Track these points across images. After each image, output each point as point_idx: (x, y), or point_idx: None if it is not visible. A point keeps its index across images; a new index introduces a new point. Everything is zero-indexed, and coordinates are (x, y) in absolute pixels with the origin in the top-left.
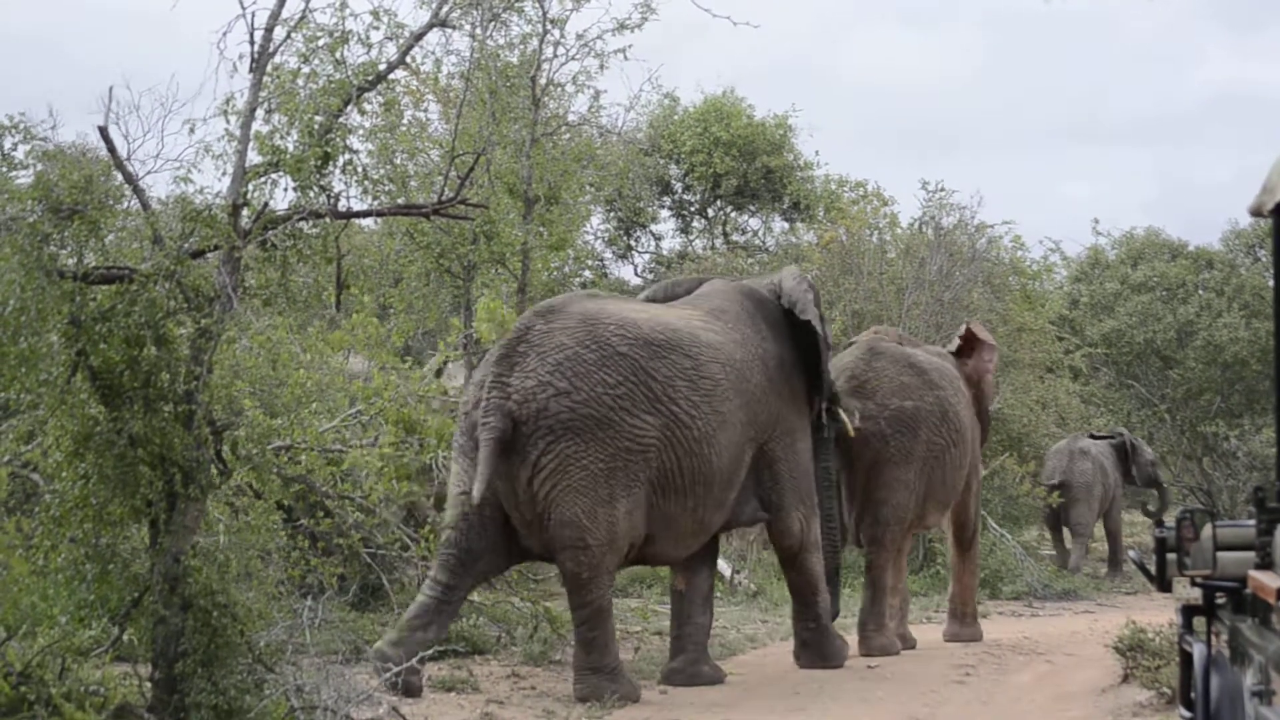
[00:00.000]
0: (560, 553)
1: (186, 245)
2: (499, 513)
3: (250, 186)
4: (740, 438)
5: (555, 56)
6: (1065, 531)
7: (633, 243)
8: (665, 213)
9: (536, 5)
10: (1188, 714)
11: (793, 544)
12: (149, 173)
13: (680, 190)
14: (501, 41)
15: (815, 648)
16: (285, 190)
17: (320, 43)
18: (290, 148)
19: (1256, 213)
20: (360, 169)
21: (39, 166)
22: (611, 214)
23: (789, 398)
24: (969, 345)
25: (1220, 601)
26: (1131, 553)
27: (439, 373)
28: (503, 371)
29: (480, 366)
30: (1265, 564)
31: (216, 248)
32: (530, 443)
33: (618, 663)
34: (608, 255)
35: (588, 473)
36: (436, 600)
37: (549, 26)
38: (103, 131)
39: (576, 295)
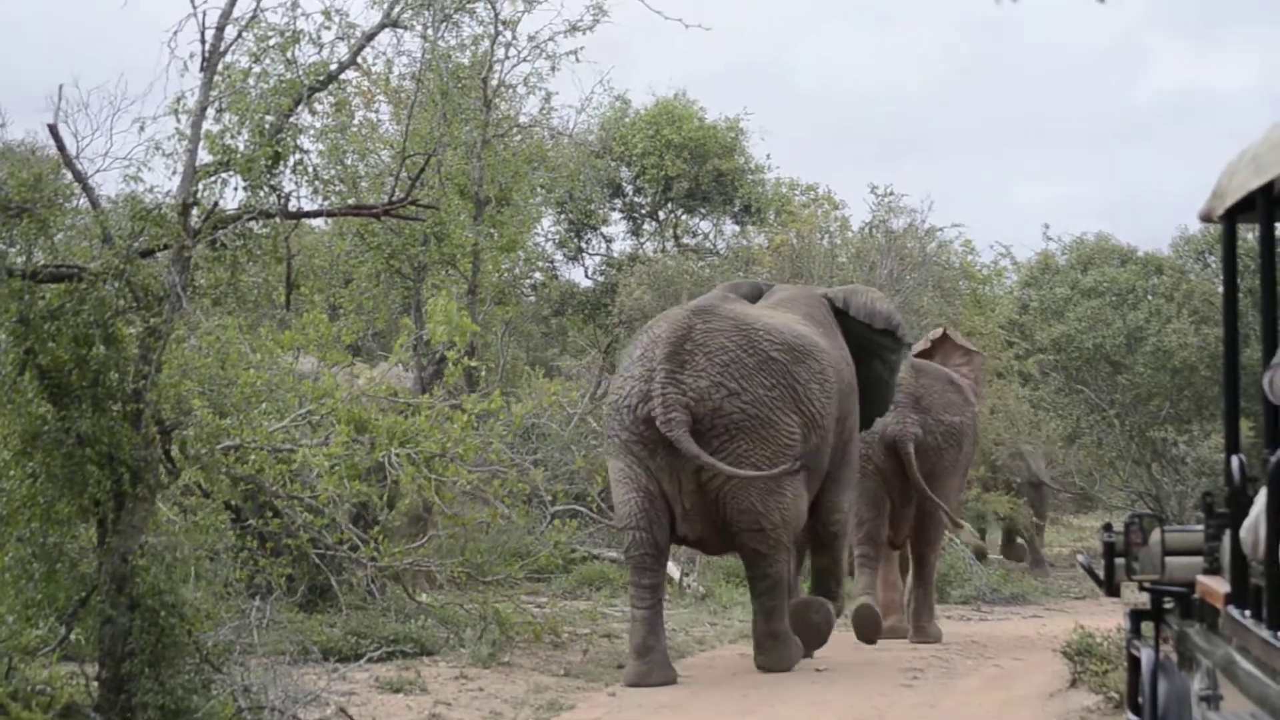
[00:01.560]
0: (740, 534)
1: (136, 244)
2: (666, 503)
3: (200, 186)
4: (837, 432)
5: (507, 58)
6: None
7: (583, 245)
8: (616, 215)
9: (488, 6)
10: (1135, 719)
11: (836, 529)
12: (98, 171)
13: (631, 193)
14: (453, 42)
15: (787, 638)
16: (235, 190)
17: (271, 42)
18: (241, 147)
19: (1206, 218)
20: (311, 169)
21: None
22: (562, 216)
23: (854, 397)
24: (936, 349)
25: (1168, 606)
26: (1080, 557)
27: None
28: (674, 369)
29: (631, 364)
30: (1213, 569)
31: (166, 247)
32: (703, 441)
33: (789, 629)
34: (558, 257)
35: (754, 469)
36: (651, 608)
37: (501, 28)
38: (52, 129)
39: (717, 296)
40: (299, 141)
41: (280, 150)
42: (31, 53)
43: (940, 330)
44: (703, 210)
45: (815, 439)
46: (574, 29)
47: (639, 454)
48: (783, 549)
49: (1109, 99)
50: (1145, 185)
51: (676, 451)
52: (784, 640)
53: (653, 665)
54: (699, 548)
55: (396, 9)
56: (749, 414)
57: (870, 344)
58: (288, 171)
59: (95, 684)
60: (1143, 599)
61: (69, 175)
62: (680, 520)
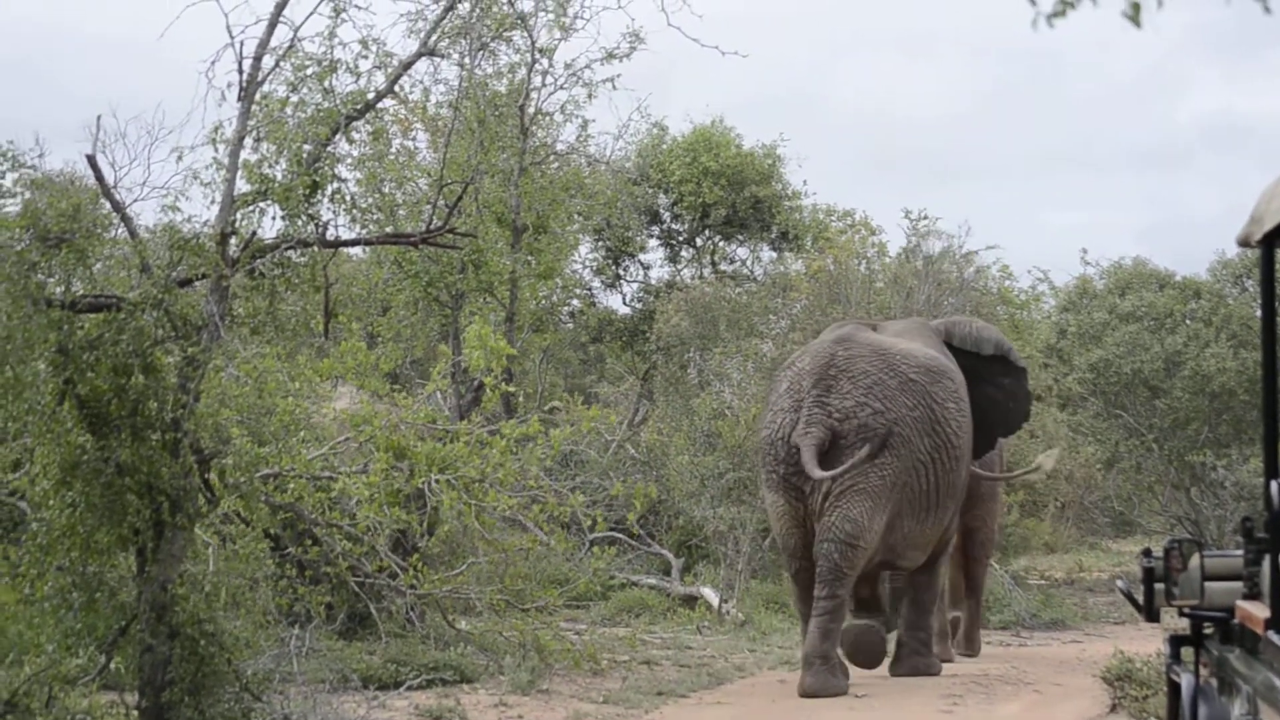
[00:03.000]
0: (829, 543)
1: (174, 274)
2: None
3: (238, 215)
4: (969, 453)
5: (544, 85)
6: None
7: (621, 272)
8: (654, 242)
9: (525, 34)
10: None
11: (942, 551)
12: (136, 201)
13: (669, 219)
14: (490, 70)
15: (921, 657)
16: (273, 219)
17: (309, 71)
18: (278, 176)
19: (1244, 243)
20: (348, 197)
21: (27, 195)
22: (600, 243)
23: (970, 425)
24: None
25: (1208, 632)
26: (1119, 582)
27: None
28: (821, 394)
29: (780, 397)
30: (1253, 594)
31: (204, 276)
32: (846, 453)
33: (838, 656)
34: (596, 284)
35: (882, 481)
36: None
37: (537, 56)
38: (90, 160)
39: (850, 328)
40: (336, 170)
41: (318, 179)
42: (69, 83)
43: None
44: (740, 237)
45: (947, 461)
46: (610, 56)
47: (795, 483)
48: (856, 572)
49: (1146, 123)
50: (1183, 209)
51: (821, 462)
52: (833, 665)
53: (832, 668)
54: None
55: (433, 38)
56: (891, 431)
57: (977, 371)
58: (325, 200)
59: (135, 713)
60: (1182, 624)
61: (107, 205)
62: (816, 538)
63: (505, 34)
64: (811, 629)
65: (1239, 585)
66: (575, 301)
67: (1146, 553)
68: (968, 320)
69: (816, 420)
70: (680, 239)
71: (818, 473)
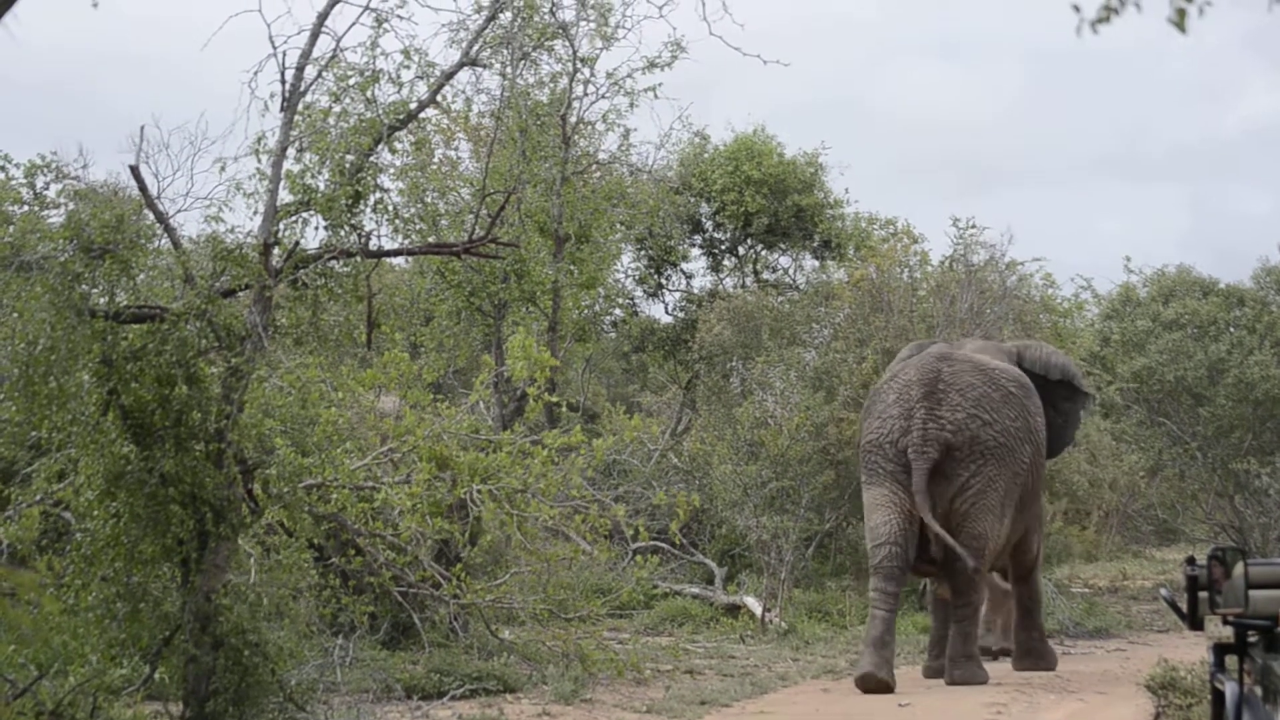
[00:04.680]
0: (963, 559)
1: (217, 284)
2: (919, 525)
3: (281, 225)
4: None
5: (585, 95)
6: None
7: (663, 281)
8: (696, 251)
9: (566, 44)
10: None
11: (1031, 561)
12: (180, 211)
13: (711, 228)
14: (532, 80)
15: (1036, 655)
16: (316, 229)
17: (351, 82)
18: (321, 186)
19: None
20: (391, 207)
21: (70, 205)
22: (642, 252)
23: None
24: None
25: (1252, 640)
26: (1163, 591)
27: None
28: (932, 406)
29: (888, 406)
30: None
31: (247, 286)
32: (961, 465)
33: (977, 651)
34: (638, 293)
35: (999, 494)
36: (891, 610)
37: (579, 65)
38: (134, 170)
39: (944, 345)
40: (379, 180)
41: (360, 189)
42: (113, 94)
43: None
44: (782, 245)
45: (1037, 469)
46: (652, 65)
47: (903, 481)
48: (986, 576)
49: (1191, 129)
50: (1227, 216)
51: (935, 478)
52: (976, 660)
53: (884, 659)
54: (932, 570)
55: (475, 47)
56: (999, 442)
57: (1042, 393)
58: (368, 210)
59: None
60: (1226, 632)
61: (150, 216)
62: (933, 542)
63: (547, 44)
64: (953, 634)
65: None
66: (618, 311)
67: (1190, 561)
68: (1039, 344)
69: (932, 437)
70: (722, 248)
71: (925, 505)
